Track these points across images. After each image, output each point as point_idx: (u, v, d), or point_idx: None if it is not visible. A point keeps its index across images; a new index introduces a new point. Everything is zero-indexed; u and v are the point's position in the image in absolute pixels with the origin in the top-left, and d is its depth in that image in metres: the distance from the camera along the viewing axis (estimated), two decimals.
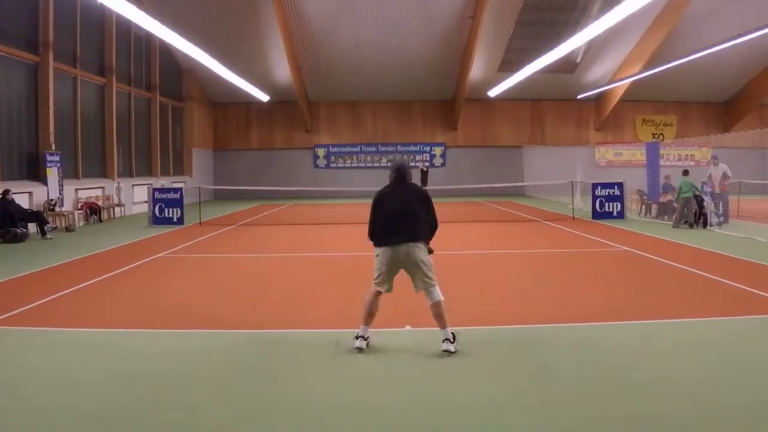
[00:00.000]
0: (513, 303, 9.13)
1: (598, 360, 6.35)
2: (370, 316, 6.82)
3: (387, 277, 6.89)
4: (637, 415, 4.93)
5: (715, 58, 27.28)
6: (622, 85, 35.64)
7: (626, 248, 14.36)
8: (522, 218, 22.87)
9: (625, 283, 10.53)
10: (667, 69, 28.37)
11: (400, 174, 7.15)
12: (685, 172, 19.48)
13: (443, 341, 6.57)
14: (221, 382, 5.84)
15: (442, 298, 6.73)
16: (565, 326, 7.70)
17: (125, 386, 5.69)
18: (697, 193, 18.85)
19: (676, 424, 4.79)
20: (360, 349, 6.63)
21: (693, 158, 38.13)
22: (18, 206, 17.91)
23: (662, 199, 21.28)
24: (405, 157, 39.35)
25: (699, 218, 18.75)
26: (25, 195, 19.51)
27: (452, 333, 6.62)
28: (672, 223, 19.21)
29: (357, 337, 6.72)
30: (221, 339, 7.40)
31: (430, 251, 6.96)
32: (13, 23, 19.77)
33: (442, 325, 6.64)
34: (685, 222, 18.81)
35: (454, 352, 6.51)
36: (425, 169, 37.61)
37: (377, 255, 6.94)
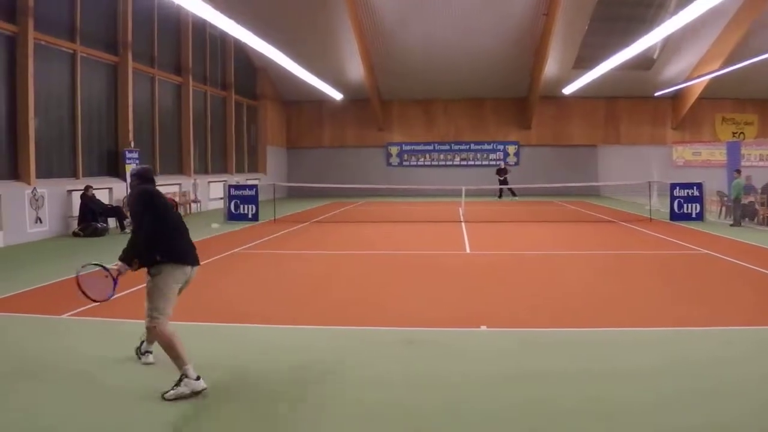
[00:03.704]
0: (587, 304, 8.96)
1: (673, 366, 6.16)
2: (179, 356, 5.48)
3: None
4: (715, 424, 4.76)
5: None
6: (700, 83, 34.51)
7: (706, 251, 13.89)
8: (598, 219, 22.40)
9: (704, 287, 10.19)
10: (747, 65, 27.42)
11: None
12: (737, 172, 19.74)
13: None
14: (285, 377, 5.89)
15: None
16: (635, 330, 7.51)
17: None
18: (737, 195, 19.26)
19: None
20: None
21: None
22: (98, 201, 18.53)
23: (744, 201, 20.57)
24: (478, 156, 39.30)
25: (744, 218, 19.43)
26: (105, 191, 20.12)
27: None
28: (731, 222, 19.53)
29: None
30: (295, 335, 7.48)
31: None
32: (93, 25, 20.34)
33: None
34: (732, 223, 19.18)
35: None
36: (503, 167, 35.85)
37: (168, 274, 5.60)
